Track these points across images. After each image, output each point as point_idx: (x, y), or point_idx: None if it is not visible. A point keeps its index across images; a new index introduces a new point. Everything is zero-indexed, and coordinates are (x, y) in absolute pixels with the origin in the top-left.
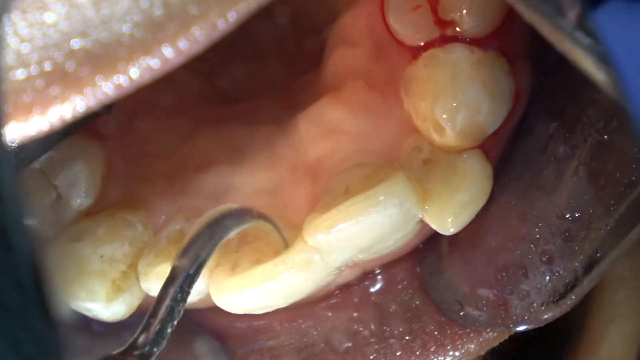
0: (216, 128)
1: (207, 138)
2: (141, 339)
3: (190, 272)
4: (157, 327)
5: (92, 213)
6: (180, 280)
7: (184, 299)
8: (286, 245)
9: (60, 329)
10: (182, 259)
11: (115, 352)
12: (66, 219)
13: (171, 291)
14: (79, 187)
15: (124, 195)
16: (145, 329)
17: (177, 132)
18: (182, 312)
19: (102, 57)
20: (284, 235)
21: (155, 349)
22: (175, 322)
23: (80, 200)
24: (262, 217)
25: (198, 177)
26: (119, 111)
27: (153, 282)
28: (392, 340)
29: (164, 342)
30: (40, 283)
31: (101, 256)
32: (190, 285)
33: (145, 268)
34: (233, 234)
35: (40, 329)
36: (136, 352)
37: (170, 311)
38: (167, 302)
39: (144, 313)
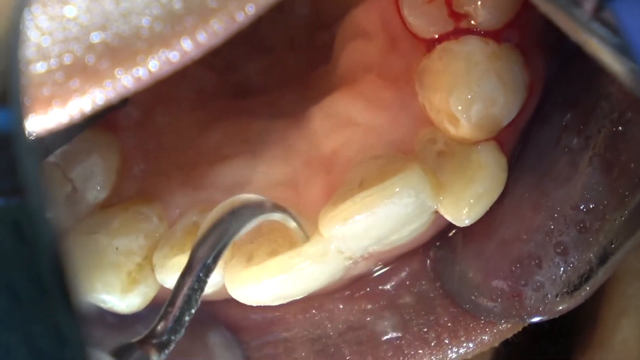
0: (231, 121)
1: (222, 131)
2: (159, 328)
3: (208, 261)
4: (175, 315)
5: (108, 206)
6: (198, 269)
7: (202, 288)
8: (306, 237)
9: (82, 321)
10: (200, 247)
11: (133, 340)
12: (81, 212)
13: (189, 280)
14: (94, 180)
15: (139, 188)
16: (163, 317)
17: (193, 125)
18: (199, 301)
19: (121, 50)
20: (303, 227)
21: (173, 338)
22: (193, 311)
23: (95, 193)
24: (281, 209)
25: (213, 170)
26: (134, 104)
27: (168, 274)
28: (406, 332)
29: (182, 331)
30: (61, 275)
31: (117, 248)
32: (207, 275)
33: (160, 260)
34: (252, 225)
35: (58, 323)
36: (154, 341)
37: (188, 300)
38: (184, 291)
39: (159, 305)
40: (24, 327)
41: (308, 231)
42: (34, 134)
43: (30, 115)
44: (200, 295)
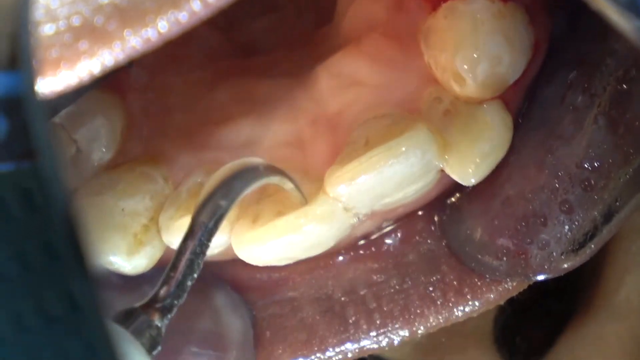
0: (236, 82)
1: (228, 92)
2: (162, 292)
3: (209, 225)
4: (178, 280)
5: (113, 167)
6: (200, 234)
7: (204, 252)
8: (305, 201)
9: (96, 286)
10: (201, 212)
11: (136, 305)
12: (86, 173)
13: (190, 245)
14: (99, 141)
15: (144, 149)
16: (166, 282)
17: (198, 86)
18: (201, 265)
19: (130, 10)
20: (302, 191)
21: (175, 302)
22: (195, 275)
23: (100, 154)
24: (280, 172)
25: (218, 131)
26: (139, 65)
27: (174, 235)
28: (411, 291)
29: (184, 295)
30: (74, 241)
31: (122, 210)
32: (209, 239)
33: (166, 221)
34: (252, 188)
35: (70, 289)
36: (158, 305)
37: (190, 264)
38: (187, 255)
39: (165, 266)
40: (35, 294)
41: (309, 191)
42: (43, 96)
43: (39, 77)
44: (202, 259)
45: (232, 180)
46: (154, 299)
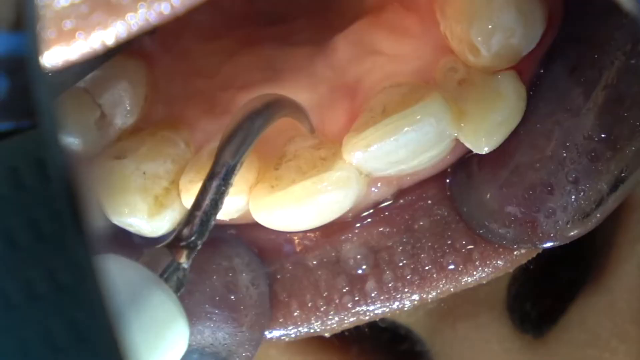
0: (256, 49)
1: (248, 58)
2: (185, 231)
3: (232, 164)
4: (201, 219)
5: (136, 131)
6: (223, 173)
7: (226, 191)
8: (312, 130)
9: (96, 256)
10: (224, 152)
11: (160, 245)
12: (110, 137)
13: (214, 184)
14: (123, 106)
15: (166, 114)
16: (190, 221)
17: (219, 52)
18: (223, 205)
19: None
20: (312, 124)
21: (199, 241)
22: (217, 216)
23: (123, 118)
24: (295, 106)
25: (239, 97)
26: (162, 31)
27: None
28: (422, 255)
29: (207, 234)
30: (77, 209)
31: (144, 173)
32: (231, 177)
33: (186, 185)
34: (270, 125)
35: (77, 257)
36: (182, 244)
37: (214, 203)
38: (210, 194)
39: None
40: (45, 262)
41: (326, 156)
42: (58, 65)
43: (53, 46)
44: (224, 198)
45: (252, 119)
46: (178, 238)
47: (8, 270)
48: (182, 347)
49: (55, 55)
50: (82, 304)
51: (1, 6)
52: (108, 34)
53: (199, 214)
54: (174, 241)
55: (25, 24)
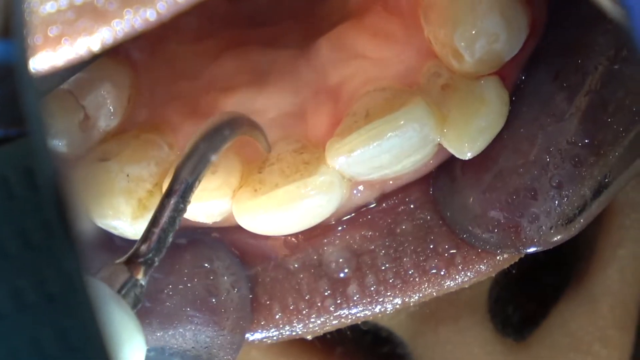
0: (240, 52)
1: (232, 61)
2: (143, 248)
3: (190, 181)
4: (159, 236)
5: (119, 133)
6: (181, 190)
7: (185, 208)
8: (269, 149)
9: (84, 264)
10: (183, 169)
11: (118, 260)
12: (93, 139)
13: (172, 201)
14: (106, 107)
15: (150, 116)
16: (147, 238)
17: (203, 55)
18: (180, 222)
19: None
20: (268, 142)
21: (156, 258)
22: (174, 232)
23: (107, 120)
24: (252, 124)
25: (223, 100)
26: (146, 33)
27: None
28: (405, 259)
29: (164, 251)
30: (66, 218)
31: (127, 175)
32: (190, 195)
33: None
34: (228, 144)
35: (66, 266)
36: (140, 260)
37: (172, 221)
38: (168, 212)
39: None
40: (35, 272)
41: (309, 160)
42: (43, 71)
43: (39, 52)
44: (182, 215)
45: (210, 137)
46: (135, 254)
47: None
48: None
49: (41, 61)
50: (72, 313)
51: None
52: (94, 40)
53: (157, 230)
54: (132, 257)
55: (13, 31)
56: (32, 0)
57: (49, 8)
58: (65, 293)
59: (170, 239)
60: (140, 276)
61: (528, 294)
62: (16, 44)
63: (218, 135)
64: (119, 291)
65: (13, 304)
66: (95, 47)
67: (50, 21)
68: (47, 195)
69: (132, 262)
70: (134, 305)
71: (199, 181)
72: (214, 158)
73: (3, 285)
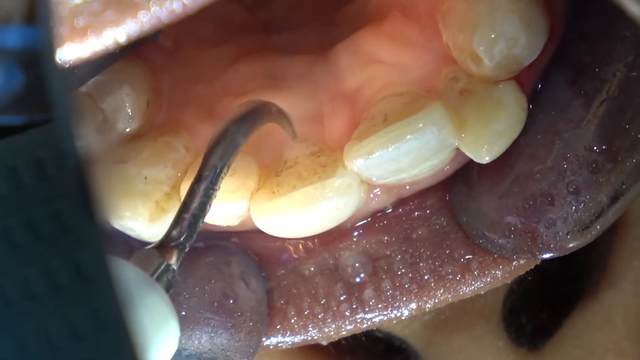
0: (258, 57)
1: (248, 66)
2: (174, 233)
3: (219, 167)
4: (190, 221)
5: (137, 136)
6: (211, 176)
7: (214, 195)
8: (295, 136)
9: (105, 252)
10: (211, 155)
11: (150, 246)
12: (112, 142)
13: (202, 187)
14: (125, 110)
15: (167, 119)
16: (179, 223)
17: (220, 60)
18: (210, 208)
19: None
20: (294, 130)
21: (187, 242)
22: (205, 218)
23: (125, 123)
24: (280, 112)
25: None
26: (165, 37)
27: None
28: (421, 264)
29: (195, 236)
30: (92, 203)
31: (145, 178)
32: (218, 181)
33: None
34: (257, 128)
35: (96, 248)
36: (172, 244)
37: (202, 206)
38: (198, 197)
39: None
40: (43, 262)
41: (327, 163)
42: (69, 62)
43: (65, 43)
44: (212, 200)
45: (238, 123)
46: (167, 239)
47: (30, 260)
48: (173, 347)
49: (67, 53)
50: (102, 294)
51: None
52: (120, 32)
53: (187, 216)
54: (164, 242)
55: (39, 16)
56: None
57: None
58: (95, 276)
59: (200, 225)
60: (172, 261)
61: (542, 304)
62: (43, 30)
63: (247, 120)
64: (151, 275)
65: (46, 284)
66: (122, 39)
67: (77, 12)
68: (75, 179)
69: (164, 247)
70: (167, 290)
71: (229, 167)
72: (240, 146)
73: (36, 265)
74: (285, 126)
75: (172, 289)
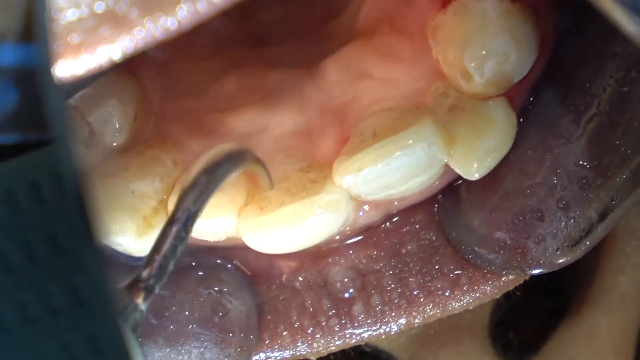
0: (246, 70)
1: (238, 80)
2: (144, 274)
3: (193, 210)
4: (161, 263)
5: (124, 150)
6: (184, 219)
7: (187, 237)
8: (272, 186)
9: (102, 276)
10: (185, 198)
11: (120, 285)
12: (99, 155)
13: (174, 230)
14: (112, 124)
15: (155, 132)
16: (149, 264)
17: (208, 73)
18: (183, 250)
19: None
20: (271, 179)
21: (157, 284)
22: (176, 259)
23: (113, 137)
24: (256, 160)
25: (228, 118)
26: (153, 50)
27: None
28: (410, 279)
29: (165, 278)
30: (92, 223)
31: (132, 192)
32: (192, 224)
33: None
34: (234, 174)
35: (94, 272)
36: (141, 285)
37: (173, 249)
38: (170, 240)
39: None
40: (65, 278)
41: (316, 179)
42: (63, 80)
43: (60, 60)
44: (185, 243)
45: (216, 167)
46: (137, 280)
47: (27, 284)
48: None
49: (61, 69)
50: (100, 319)
51: (6, 16)
52: (115, 49)
53: (158, 257)
54: (133, 282)
55: (34, 34)
56: (53, 8)
57: (69, 16)
58: (93, 299)
59: (171, 267)
60: (140, 301)
61: (528, 319)
62: (39, 47)
63: (221, 168)
64: (120, 316)
65: (43, 309)
66: (116, 56)
67: (71, 29)
68: (73, 201)
69: (133, 287)
70: (134, 329)
71: (201, 211)
72: (215, 190)
73: (33, 290)
74: (262, 174)
75: (139, 329)
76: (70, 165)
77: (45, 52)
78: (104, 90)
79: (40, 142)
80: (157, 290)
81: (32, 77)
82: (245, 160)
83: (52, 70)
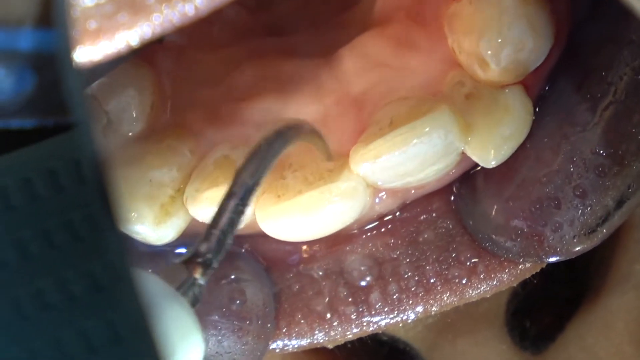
0: (263, 60)
1: (254, 70)
2: (202, 248)
3: (250, 184)
4: (218, 237)
5: (141, 139)
6: (241, 193)
7: (244, 210)
8: (330, 157)
9: (121, 262)
10: (243, 172)
11: (177, 260)
12: (116, 144)
13: (232, 203)
14: (129, 113)
15: (172, 121)
16: (207, 238)
17: (225, 63)
18: (240, 224)
19: None
20: (329, 150)
21: (215, 259)
22: (234, 233)
23: (130, 126)
24: (313, 131)
25: (244, 107)
26: (170, 40)
27: (200, 206)
28: (427, 268)
29: (223, 252)
30: (112, 208)
31: (150, 180)
32: (249, 198)
33: (192, 193)
34: (289, 147)
35: (112, 259)
36: (199, 260)
37: (231, 222)
38: (227, 213)
39: (188, 238)
40: (83, 265)
41: (333, 168)
42: (82, 65)
43: (78, 46)
44: (242, 216)
45: (271, 141)
46: (195, 255)
47: (45, 271)
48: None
49: (80, 56)
50: (119, 304)
51: (23, 2)
52: (132, 34)
53: (216, 232)
54: (191, 257)
55: (54, 19)
56: None
57: (87, 2)
58: (113, 285)
59: (229, 241)
60: (198, 276)
61: (545, 308)
62: (59, 32)
63: (280, 139)
64: (177, 289)
65: (61, 296)
66: (134, 42)
67: (89, 15)
68: (93, 186)
69: (191, 262)
70: (193, 304)
71: (259, 184)
72: (272, 164)
73: (50, 276)
74: (319, 145)
75: (199, 304)
76: (91, 151)
77: (65, 37)
78: (122, 79)
79: (59, 127)
80: (215, 265)
81: (51, 62)
82: (302, 133)
83: (72, 55)
